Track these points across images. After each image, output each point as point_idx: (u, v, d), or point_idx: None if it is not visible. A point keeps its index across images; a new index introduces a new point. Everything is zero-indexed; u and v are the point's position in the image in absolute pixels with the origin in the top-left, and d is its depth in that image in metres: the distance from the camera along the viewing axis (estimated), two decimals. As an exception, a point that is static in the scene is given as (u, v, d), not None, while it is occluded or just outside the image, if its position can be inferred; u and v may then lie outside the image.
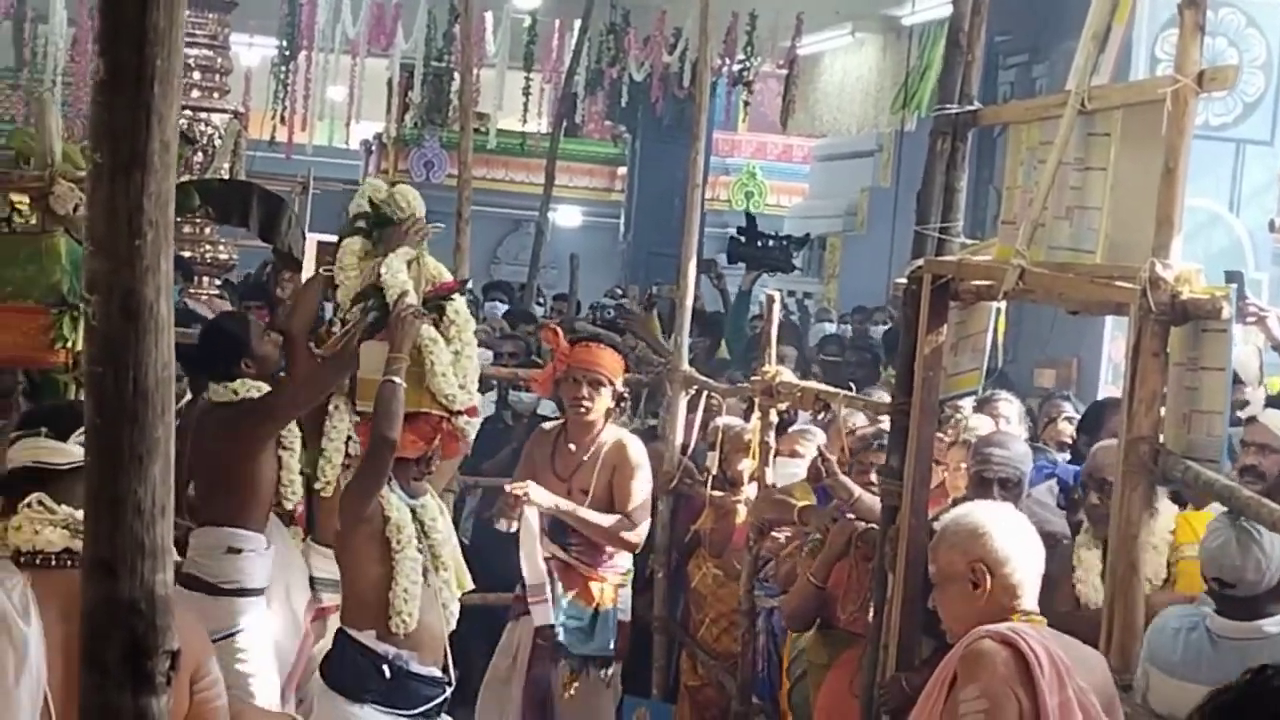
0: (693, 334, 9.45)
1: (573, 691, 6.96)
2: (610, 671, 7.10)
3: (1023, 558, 4.01)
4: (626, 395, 7.31)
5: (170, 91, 1.90)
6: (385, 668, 5.42)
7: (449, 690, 5.61)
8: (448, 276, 6.00)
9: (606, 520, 6.92)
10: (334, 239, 6.24)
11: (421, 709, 5.50)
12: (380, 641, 5.44)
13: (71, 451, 3.25)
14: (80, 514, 3.19)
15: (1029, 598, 4.00)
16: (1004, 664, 3.77)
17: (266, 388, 6.27)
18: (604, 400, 7.01)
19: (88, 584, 1.95)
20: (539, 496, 6.83)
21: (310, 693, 6.01)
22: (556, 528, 6.97)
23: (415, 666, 5.46)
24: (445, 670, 5.60)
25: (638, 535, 7.00)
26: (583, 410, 6.98)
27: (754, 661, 7.12)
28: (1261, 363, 7.20)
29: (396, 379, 5.42)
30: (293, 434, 6.33)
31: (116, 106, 1.91)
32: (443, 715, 5.68)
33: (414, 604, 5.42)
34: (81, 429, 3.21)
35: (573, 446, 7.04)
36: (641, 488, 7.00)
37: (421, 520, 5.57)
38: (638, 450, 7.07)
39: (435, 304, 5.81)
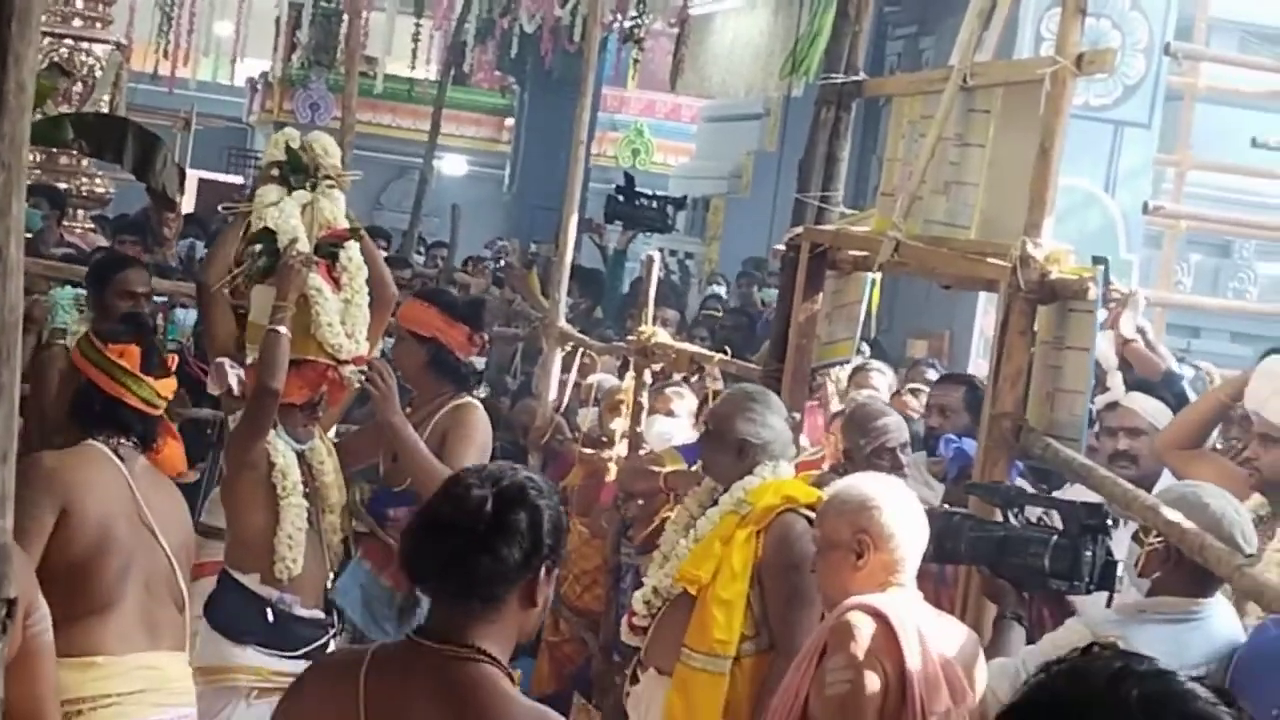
0: (572, 293, 9.41)
1: None
2: None
3: (908, 533, 3.98)
4: (456, 356, 5.96)
5: (28, 30, 1.85)
6: (269, 611, 5.44)
7: (331, 632, 5.62)
8: (343, 222, 5.88)
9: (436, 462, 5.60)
10: (215, 176, 6.16)
11: (303, 650, 5.49)
12: (264, 585, 5.45)
13: None
14: None
15: (908, 572, 4.00)
16: (871, 635, 3.79)
17: None
18: (405, 354, 5.99)
19: (-74, 530, 1.91)
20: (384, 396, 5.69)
21: None
22: (377, 503, 5.89)
23: (298, 610, 5.49)
24: (327, 612, 5.63)
25: None
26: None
27: (617, 619, 7.12)
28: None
29: (281, 329, 5.40)
30: None
31: (-29, 43, 1.86)
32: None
33: (298, 550, 5.44)
34: None
35: (409, 410, 5.93)
36: (467, 452, 5.71)
37: (310, 463, 5.61)
38: (476, 417, 5.91)
39: (328, 250, 5.76)
